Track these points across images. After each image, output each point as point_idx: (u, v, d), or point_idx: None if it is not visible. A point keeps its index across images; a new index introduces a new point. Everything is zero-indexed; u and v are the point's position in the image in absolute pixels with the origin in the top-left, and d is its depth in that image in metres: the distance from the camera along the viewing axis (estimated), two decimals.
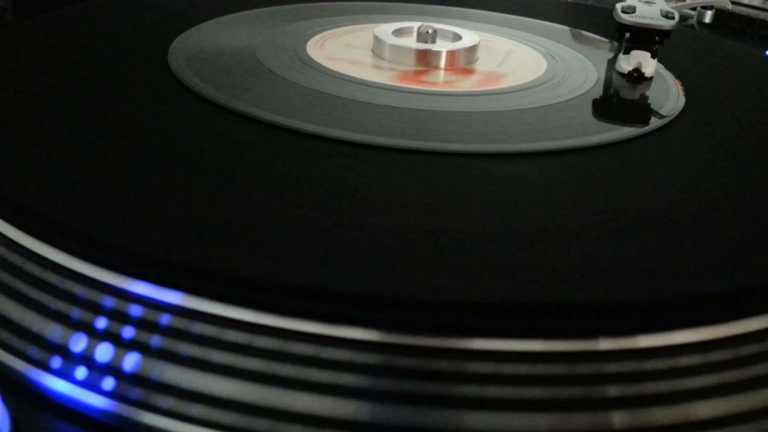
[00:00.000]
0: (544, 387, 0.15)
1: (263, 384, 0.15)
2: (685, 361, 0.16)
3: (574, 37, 0.40)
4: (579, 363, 0.15)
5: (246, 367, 0.15)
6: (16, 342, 0.16)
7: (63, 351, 0.16)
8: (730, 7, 0.43)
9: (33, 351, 0.16)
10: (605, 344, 0.15)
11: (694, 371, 0.16)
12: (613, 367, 0.15)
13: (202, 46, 0.32)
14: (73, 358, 0.16)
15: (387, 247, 0.17)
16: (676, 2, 0.47)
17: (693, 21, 0.48)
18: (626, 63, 0.31)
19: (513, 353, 0.15)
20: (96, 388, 0.15)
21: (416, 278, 0.16)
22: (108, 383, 0.15)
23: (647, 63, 0.31)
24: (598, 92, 0.30)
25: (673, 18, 0.31)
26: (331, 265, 0.16)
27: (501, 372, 0.15)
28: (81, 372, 0.16)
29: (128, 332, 0.16)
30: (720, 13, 0.52)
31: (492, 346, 0.15)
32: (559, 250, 0.18)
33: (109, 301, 0.16)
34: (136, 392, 0.15)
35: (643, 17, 0.31)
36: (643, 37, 0.31)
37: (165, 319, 0.15)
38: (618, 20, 0.31)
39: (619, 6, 0.32)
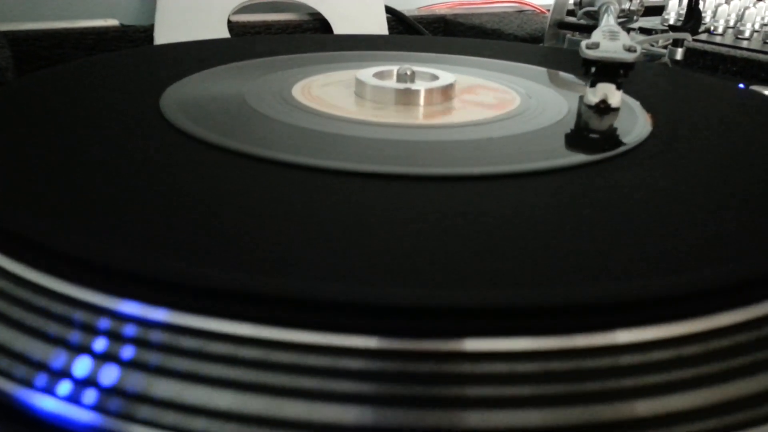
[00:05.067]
0: (533, 384, 0.16)
1: (261, 394, 0.15)
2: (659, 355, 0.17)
3: (551, 77, 0.42)
4: (566, 360, 0.16)
5: (237, 378, 0.16)
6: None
7: (45, 368, 0.16)
8: (690, 39, 0.45)
9: (15, 369, 0.17)
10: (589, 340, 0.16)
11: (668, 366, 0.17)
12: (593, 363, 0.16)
13: (192, 94, 0.34)
14: (56, 374, 0.16)
15: (383, 260, 0.19)
16: (640, 35, 0.49)
17: (665, 59, 0.50)
18: (593, 95, 0.33)
19: (498, 353, 0.16)
20: (80, 403, 0.16)
21: (409, 287, 0.17)
22: (91, 397, 0.16)
23: (613, 94, 0.33)
24: (566, 123, 0.32)
25: (635, 51, 0.32)
26: (313, 276, 0.17)
27: (488, 371, 0.16)
28: (64, 388, 0.16)
29: (117, 348, 0.16)
30: (692, 51, 0.54)
31: (478, 347, 0.16)
32: (534, 257, 0.19)
33: (87, 317, 0.17)
34: (119, 405, 0.16)
35: (606, 51, 0.32)
36: (608, 71, 0.33)
37: (153, 334, 0.16)
38: (583, 56, 0.33)
39: (583, 43, 0.33)
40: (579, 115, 0.33)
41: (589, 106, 0.34)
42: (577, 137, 0.31)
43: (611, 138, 0.31)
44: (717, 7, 0.65)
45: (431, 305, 0.16)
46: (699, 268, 0.19)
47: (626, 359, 0.16)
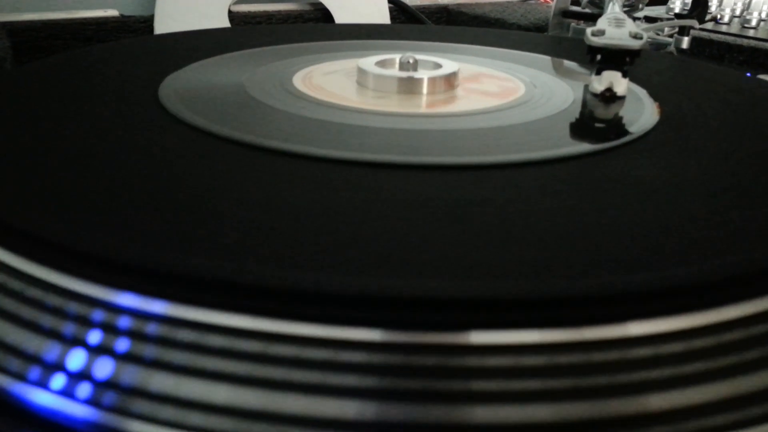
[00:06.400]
0: (542, 378, 0.15)
1: (258, 388, 0.15)
2: (674, 348, 0.16)
3: (555, 65, 0.41)
4: (573, 353, 0.15)
5: (238, 372, 0.15)
6: None
7: (39, 361, 0.16)
8: (697, 26, 0.44)
9: (9, 362, 0.16)
10: (596, 333, 0.16)
11: (683, 358, 0.16)
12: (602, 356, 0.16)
13: (191, 84, 0.34)
14: (50, 368, 0.16)
15: (386, 251, 0.18)
16: (646, 23, 0.49)
17: (671, 48, 0.50)
18: (598, 83, 0.33)
19: (505, 346, 0.15)
20: (75, 397, 0.15)
21: (412, 278, 0.17)
22: (86, 391, 0.15)
23: (618, 82, 0.32)
24: (571, 112, 0.31)
25: (641, 38, 0.32)
26: (318, 268, 0.17)
27: (493, 365, 0.15)
28: (59, 381, 0.16)
29: (112, 341, 0.16)
30: (698, 40, 0.54)
31: (484, 340, 0.15)
32: (541, 248, 0.18)
33: (81, 308, 0.16)
34: (114, 399, 0.15)
35: (612, 39, 0.32)
36: (613, 58, 0.32)
37: (148, 326, 0.16)
38: (588, 43, 0.32)
39: (589, 30, 0.33)
40: (584, 103, 0.33)
41: (595, 95, 0.33)
42: (584, 126, 0.30)
43: (618, 127, 0.30)
44: None
45: (436, 296, 0.16)
46: (708, 258, 0.18)
47: (636, 352, 0.16)
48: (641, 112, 0.31)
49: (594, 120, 0.31)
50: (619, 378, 0.15)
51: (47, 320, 0.16)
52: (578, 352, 0.15)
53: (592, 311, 0.16)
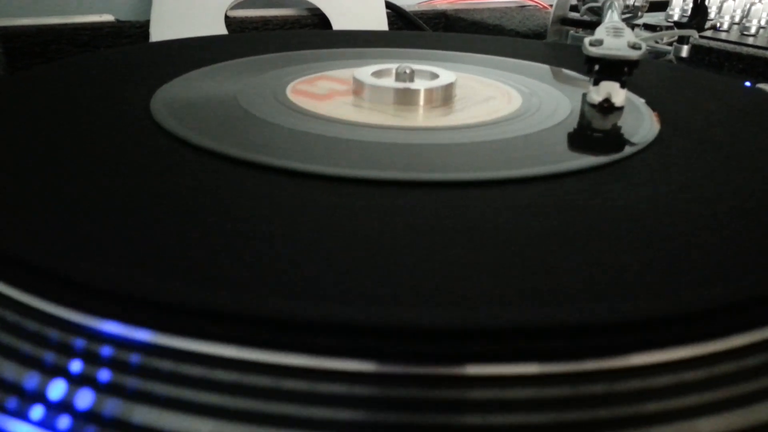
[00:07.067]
0: (546, 412, 0.15)
1: (245, 422, 0.14)
2: (687, 377, 0.15)
3: (554, 74, 0.41)
4: (580, 384, 0.15)
5: (220, 404, 0.15)
6: None
7: (18, 390, 0.15)
8: (697, 36, 0.43)
9: None
10: (604, 364, 0.15)
11: (696, 387, 0.15)
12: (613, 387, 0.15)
13: (183, 95, 0.33)
14: (29, 398, 0.15)
15: (378, 276, 0.17)
16: (645, 31, 0.48)
17: (670, 56, 0.49)
18: (596, 94, 0.32)
19: (509, 377, 0.15)
20: (55, 428, 0.15)
21: (406, 307, 0.16)
22: (66, 422, 0.15)
23: (616, 93, 0.32)
24: (569, 124, 0.31)
25: (639, 48, 0.31)
26: (311, 296, 0.16)
27: (498, 397, 0.15)
28: (38, 412, 0.15)
29: (94, 370, 0.15)
30: (697, 48, 0.53)
31: (487, 372, 0.15)
32: (545, 273, 0.18)
33: (63, 336, 0.16)
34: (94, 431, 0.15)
35: (610, 49, 0.31)
36: (611, 69, 0.32)
37: (133, 356, 0.15)
38: (586, 53, 0.32)
39: (587, 40, 0.32)
40: (582, 114, 0.32)
41: (593, 105, 0.33)
42: (582, 139, 0.30)
43: (619, 139, 0.30)
44: (722, 2, 0.64)
45: (430, 327, 0.15)
46: (718, 281, 0.18)
47: (642, 383, 0.15)
48: (640, 123, 0.31)
49: (592, 132, 0.31)
50: (625, 411, 0.15)
51: (27, 348, 0.16)
52: (581, 384, 0.15)
53: (595, 342, 0.15)
